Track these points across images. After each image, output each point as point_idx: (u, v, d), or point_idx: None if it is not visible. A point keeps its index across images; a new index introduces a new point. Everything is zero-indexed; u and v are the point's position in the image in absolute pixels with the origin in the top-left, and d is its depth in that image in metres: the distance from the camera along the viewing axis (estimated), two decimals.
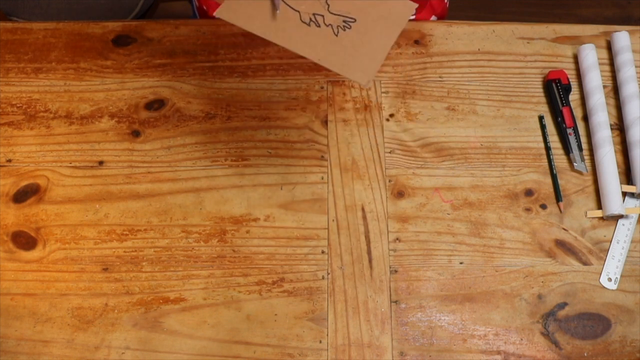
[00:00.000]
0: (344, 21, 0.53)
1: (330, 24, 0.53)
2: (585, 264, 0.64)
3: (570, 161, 0.68)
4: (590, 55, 0.71)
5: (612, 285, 0.64)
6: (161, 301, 0.62)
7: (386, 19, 0.54)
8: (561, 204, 0.66)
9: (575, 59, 0.74)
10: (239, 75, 0.72)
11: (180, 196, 0.66)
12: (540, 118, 0.70)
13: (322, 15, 0.53)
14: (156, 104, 0.70)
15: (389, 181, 0.67)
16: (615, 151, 0.68)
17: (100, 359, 0.60)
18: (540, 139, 0.70)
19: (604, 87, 0.71)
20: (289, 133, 0.69)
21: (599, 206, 0.66)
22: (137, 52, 0.73)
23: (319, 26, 0.53)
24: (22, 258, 0.64)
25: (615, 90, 0.72)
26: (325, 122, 0.70)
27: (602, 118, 0.68)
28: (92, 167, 0.67)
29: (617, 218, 0.66)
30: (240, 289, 0.63)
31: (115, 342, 0.61)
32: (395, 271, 0.64)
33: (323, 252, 0.64)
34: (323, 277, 0.63)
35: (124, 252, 0.64)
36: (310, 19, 0.53)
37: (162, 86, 0.71)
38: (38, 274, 0.63)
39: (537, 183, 0.68)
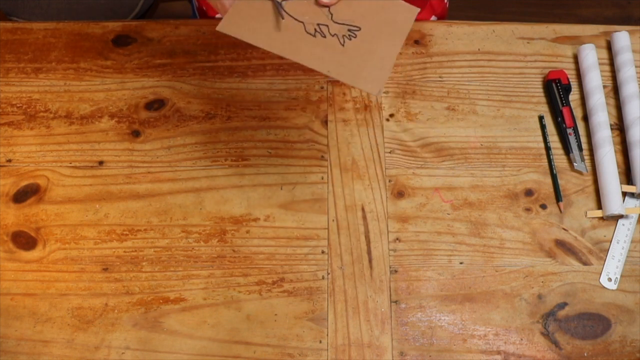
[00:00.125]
0: (349, 30, 0.53)
1: (335, 34, 0.53)
2: (585, 264, 0.64)
3: (570, 161, 0.68)
4: (590, 55, 0.71)
5: (612, 285, 0.64)
6: (161, 301, 0.62)
7: (390, 25, 0.54)
8: (561, 204, 0.66)
9: (575, 59, 0.74)
10: (239, 75, 0.72)
11: (180, 196, 0.66)
12: (540, 118, 0.70)
13: (327, 25, 0.53)
14: (156, 104, 0.70)
15: (389, 181, 0.67)
16: (615, 151, 0.68)
17: (100, 359, 0.60)
18: (540, 139, 0.70)
19: (604, 87, 0.71)
20: (289, 133, 0.69)
21: (599, 206, 0.66)
22: (137, 52, 0.73)
23: (325, 37, 0.53)
24: (22, 258, 0.64)
25: (615, 90, 0.72)
26: (325, 122, 0.70)
27: (602, 118, 0.68)
28: (92, 167, 0.67)
29: (617, 218, 0.66)
30: (240, 289, 0.63)
31: (115, 342, 0.61)
32: (395, 271, 0.64)
33: (323, 252, 0.64)
34: (323, 277, 0.63)
35: (124, 252, 0.64)
36: (315, 30, 0.53)
37: (162, 86, 0.71)
38: (38, 274, 0.63)
39: (537, 183, 0.68)
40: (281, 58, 0.73)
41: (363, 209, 0.66)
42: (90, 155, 0.68)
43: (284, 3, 0.53)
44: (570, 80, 0.71)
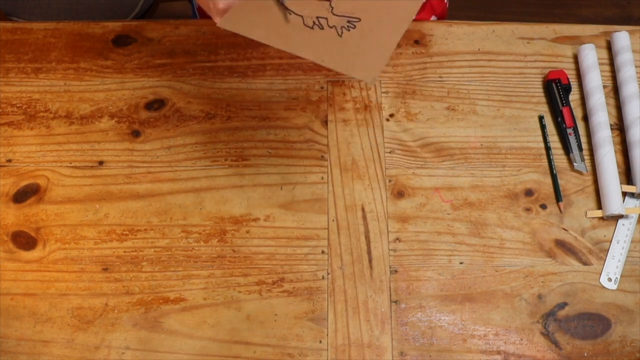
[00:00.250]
0: (348, 21, 0.53)
1: (334, 25, 0.53)
2: (585, 264, 0.64)
3: (570, 161, 0.68)
4: (590, 55, 0.71)
5: (612, 285, 0.64)
6: (161, 301, 0.62)
7: (391, 16, 0.53)
8: (561, 204, 0.66)
9: (575, 59, 0.74)
10: (239, 75, 0.72)
11: (180, 196, 0.66)
12: (540, 118, 0.70)
13: (326, 18, 0.53)
14: (156, 104, 0.70)
15: (389, 181, 0.67)
16: (615, 151, 0.68)
17: (100, 359, 0.60)
18: (540, 139, 0.70)
19: (604, 87, 0.71)
20: (289, 133, 0.69)
21: (599, 206, 0.66)
22: (137, 52, 0.73)
23: (322, 28, 0.52)
24: (22, 258, 0.64)
25: (615, 90, 0.72)
26: (325, 122, 0.70)
27: (602, 118, 0.68)
28: (92, 167, 0.67)
29: (617, 218, 0.66)
30: (240, 289, 0.63)
31: (115, 342, 0.61)
32: (395, 271, 0.64)
33: (323, 252, 0.64)
34: (323, 277, 0.63)
35: (124, 252, 0.64)
36: (314, 22, 0.53)
37: (162, 86, 0.71)
38: (38, 274, 0.63)
39: (537, 183, 0.68)
40: (281, 58, 0.73)
41: (363, 209, 0.66)
42: (90, 155, 0.68)
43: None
44: (570, 80, 0.71)
